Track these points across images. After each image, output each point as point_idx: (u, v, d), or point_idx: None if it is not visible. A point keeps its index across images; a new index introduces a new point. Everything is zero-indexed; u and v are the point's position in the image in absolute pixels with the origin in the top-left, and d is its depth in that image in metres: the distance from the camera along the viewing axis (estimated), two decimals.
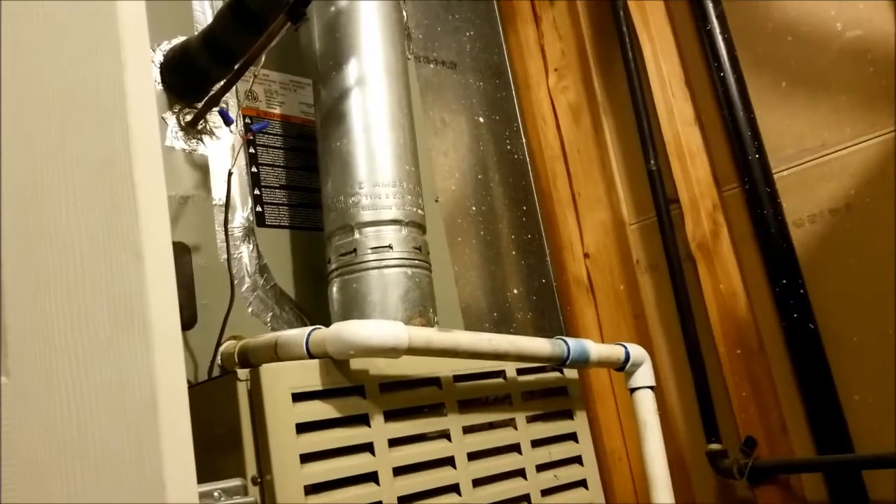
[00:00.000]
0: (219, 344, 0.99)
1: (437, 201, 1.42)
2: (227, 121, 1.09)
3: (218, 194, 1.10)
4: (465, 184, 1.54)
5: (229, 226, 1.08)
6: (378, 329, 0.81)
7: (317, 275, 1.14)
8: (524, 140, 1.73)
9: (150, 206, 0.57)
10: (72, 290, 0.56)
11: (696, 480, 1.44)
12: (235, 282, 1.06)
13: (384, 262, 1.01)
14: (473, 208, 1.54)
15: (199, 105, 1.09)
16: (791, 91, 1.36)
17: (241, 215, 1.12)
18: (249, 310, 1.10)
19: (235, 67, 1.01)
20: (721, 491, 1.40)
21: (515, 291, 1.55)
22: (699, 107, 1.47)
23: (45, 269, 0.57)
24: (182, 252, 1.02)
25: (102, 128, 0.57)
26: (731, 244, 1.40)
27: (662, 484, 1.03)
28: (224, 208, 1.06)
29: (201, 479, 0.69)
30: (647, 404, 1.05)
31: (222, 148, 1.13)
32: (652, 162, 1.50)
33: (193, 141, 1.10)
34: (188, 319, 1.00)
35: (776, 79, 1.37)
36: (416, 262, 1.04)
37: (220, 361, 0.99)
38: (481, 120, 1.64)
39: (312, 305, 1.15)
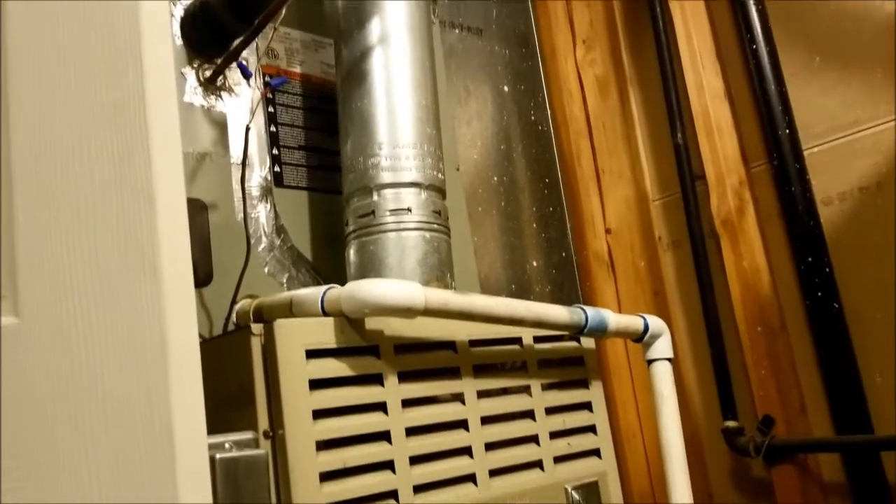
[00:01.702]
0: (234, 301, 0.99)
1: (458, 170, 1.40)
2: (246, 74, 1.08)
3: (236, 152, 1.09)
4: (488, 154, 1.53)
5: (247, 185, 1.07)
6: (394, 288, 0.80)
7: (334, 238, 1.13)
8: (549, 113, 1.71)
9: (163, 148, 0.56)
10: (83, 232, 0.56)
11: (710, 458, 1.42)
12: (252, 241, 1.05)
13: (402, 225, 1.00)
14: (495, 179, 1.52)
15: (219, 61, 1.08)
16: (825, 66, 1.32)
17: (259, 175, 1.12)
18: (266, 270, 1.09)
19: (255, 22, 1.00)
20: (736, 469, 1.39)
21: (535, 264, 1.54)
22: (729, 81, 1.44)
23: (58, 210, 0.56)
24: (199, 209, 1.01)
25: (116, 68, 0.56)
26: (757, 221, 1.38)
27: (677, 458, 1.02)
28: (241, 165, 1.05)
29: (214, 433, 0.69)
30: (664, 376, 1.04)
31: (241, 105, 1.12)
32: (679, 136, 1.47)
33: (212, 97, 1.09)
34: (204, 276, 0.99)
35: (810, 53, 1.34)
36: (435, 226, 1.02)
37: (235, 319, 0.99)
38: (506, 89, 1.61)
39: (329, 268, 1.15)
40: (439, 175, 1.05)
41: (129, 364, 0.54)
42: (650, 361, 1.05)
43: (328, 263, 1.15)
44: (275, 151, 1.14)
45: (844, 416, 1.23)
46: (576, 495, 0.96)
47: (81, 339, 0.55)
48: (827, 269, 1.27)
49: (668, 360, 1.05)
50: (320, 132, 1.21)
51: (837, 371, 1.24)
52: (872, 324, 1.23)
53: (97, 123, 0.57)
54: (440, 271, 1.01)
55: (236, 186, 1.07)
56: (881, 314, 1.23)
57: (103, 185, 0.56)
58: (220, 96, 1.10)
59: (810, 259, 1.28)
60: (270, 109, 1.16)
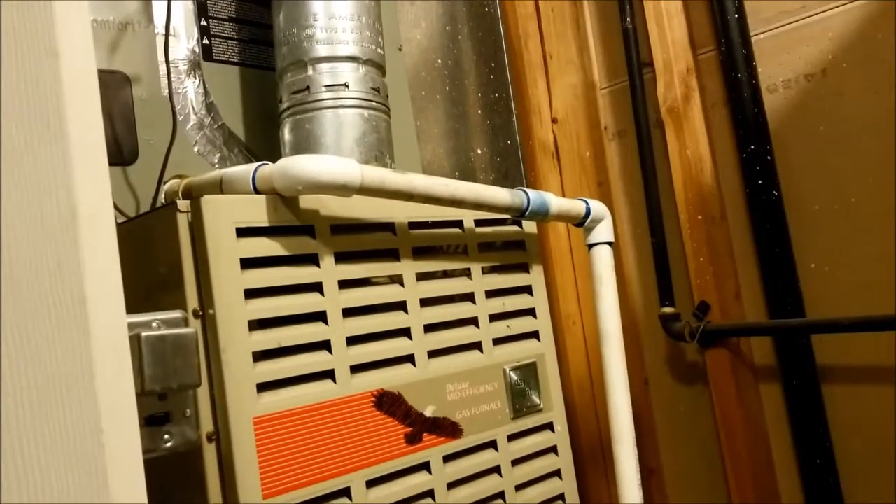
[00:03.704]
0: (161, 180, 0.94)
1: (400, 50, 1.34)
2: None
3: (160, 22, 1.02)
4: (432, 34, 1.46)
5: (173, 57, 1.00)
6: (328, 164, 0.76)
7: (268, 117, 1.08)
8: None
9: None
10: None
11: (647, 343, 1.45)
12: (180, 118, 1.00)
13: (339, 102, 0.95)
14: (439, 61, 1.46)
15: None
16: None
17: (186, 47, 1.05)
18: (196, 149, 1.04)
19: None
20: (671, 354, 1.42)
21: (479, 151, 1.51)
22: None
23: None
24: (121, 83, 0.95)
25: None
26: (702, 110, 1.36)
27: (614, 339, 1.03)
28: (165, 34, 0.98)
29: None
30: (604, 260, 1.04)
31: None
32: (628, 20, 1.43)
33: None
34: (129, 154, 0.94)
35: None
36: (374, 103, 0.98)
37: (164, 200, 0.95)
38: None
39: (263, 148, 1.10)
40: (378, 50, 1.00)
41: (36, 231, 0.50)
42: (591, 245, 1.05)
43: (262, 143, 1.10)
44: (203, 23, 1.07)
45: (778, 302, 1.26)
46: (514, 376, 0.97)
47: None
48: (768, 158, 1.27)
49: (609, 244, 1.05)
50: (252, 3, 1.14)
51: (773, 258, 1.26)
52: (811, 212, 1.25)
53: None
54: (379, 151, 0.97)
55: (162, 59, 1.00)
56: (820, 203, 1.24)
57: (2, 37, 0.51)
58: None
59: (753, 147, 1.28)
60: None
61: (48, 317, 0.49)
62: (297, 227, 0.80)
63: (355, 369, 0.82)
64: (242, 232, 0.76)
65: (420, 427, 0.87)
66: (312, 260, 0.81)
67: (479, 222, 0.99)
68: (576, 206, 1.02)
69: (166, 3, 0.94)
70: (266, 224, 0.77)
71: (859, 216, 1.20)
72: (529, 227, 1.05)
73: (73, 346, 0.49)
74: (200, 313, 0.74)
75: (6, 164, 0.50)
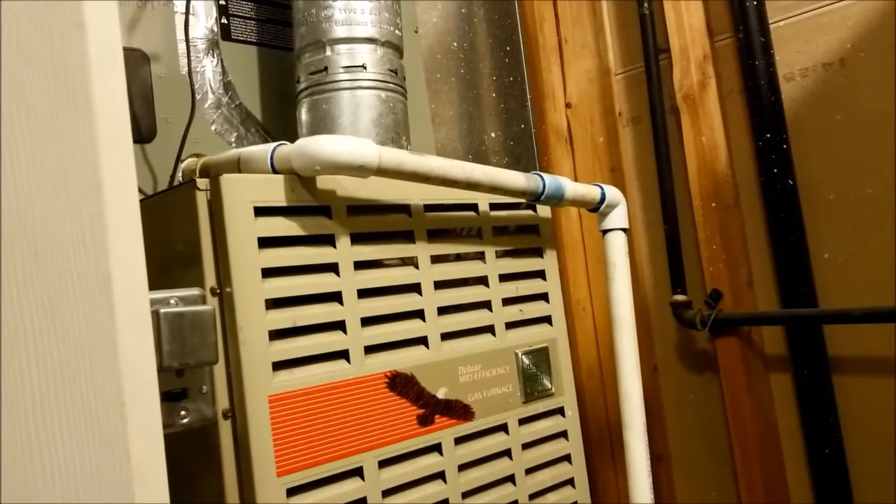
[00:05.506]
0: (179, 158, 0.94)
1: (416, 32, 1.34)
2: None
3: (179, 0, 1.02)
4: (448, 17, 1.46)
5: (192, 36, 1.00)
6: (346, 144, 0.76)
7: (285, 98, 1.08)
8: None
9: None
10: (7, 64, 0.51)
11: (657, 330, 1.46)
12: (198, 97, 1.00)
13: (357, 83, 0.95)
14: (455, 44, 1.46)
15: None
16: None
17: (205, 26, 1.04)
18: (213, 128, 1.04)
19: None
20: (681, 341, 1.43)
21: (493, 135, 1.50)
22: None
23: None
24: (140, 60, 0.95)
25: None
26: (718, 97, 1.35)
27: (627, 325, 1.03)
28: (185, 14, 0.98)
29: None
30: (618, 246, 1.04)
31: None
32: (645, 5, 1.42)
33: None
34: (147, 132, 0.94)
35: None
36: (392, 85, 0.98)
37: (181, 178, 0.95)
38: None
39: (280, 128, 1.10)
40: (396, 32, 1.00)
41: (62, 204, 0.51)
42: (605, 231, 1.05)
43: (279, 123, 1.10)
44: (222, 2, 1.07)
45: (791, 291, 1.26)
46: (525, 359, 0.98)
47: (10, 175, 0.51)
48: (784, 146, 1.26)
49: (624, 230, 1.05)
50: None
51: (787, 247, 1.26)
52: (826, 202, 1.24)
53: None
54: (395, 133, 0.97)
55: (180, 37, 1.00)
56: (835, 193, 1.24)
57: (26, 7, 0.51)
58: None
59: (768, 135, 1.27)
60: None
61: (73, 291, 0.50)
62: (313, 207, 0.80)
63: (369, 350, 0.83)
64: (260, 211, 0.76)
65: (432, 409, 0.87)
66: (328, 240, 0.81)
67: (493, 206, 0.99)
68: (591, 191, 1.02)
69: None
70: (283, 204, 0.78)
71: (875, 207, 1.19)
72: (544, 211, 1.05)
73: (98, 321, 0.49)
74: (218, 291, 0.74)
75: (33, 136, 0.51)
